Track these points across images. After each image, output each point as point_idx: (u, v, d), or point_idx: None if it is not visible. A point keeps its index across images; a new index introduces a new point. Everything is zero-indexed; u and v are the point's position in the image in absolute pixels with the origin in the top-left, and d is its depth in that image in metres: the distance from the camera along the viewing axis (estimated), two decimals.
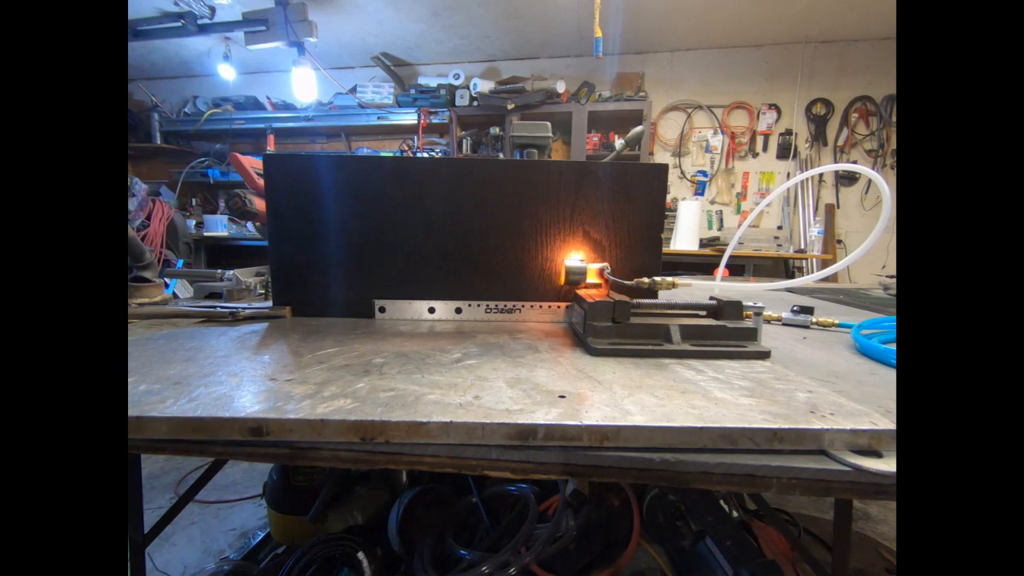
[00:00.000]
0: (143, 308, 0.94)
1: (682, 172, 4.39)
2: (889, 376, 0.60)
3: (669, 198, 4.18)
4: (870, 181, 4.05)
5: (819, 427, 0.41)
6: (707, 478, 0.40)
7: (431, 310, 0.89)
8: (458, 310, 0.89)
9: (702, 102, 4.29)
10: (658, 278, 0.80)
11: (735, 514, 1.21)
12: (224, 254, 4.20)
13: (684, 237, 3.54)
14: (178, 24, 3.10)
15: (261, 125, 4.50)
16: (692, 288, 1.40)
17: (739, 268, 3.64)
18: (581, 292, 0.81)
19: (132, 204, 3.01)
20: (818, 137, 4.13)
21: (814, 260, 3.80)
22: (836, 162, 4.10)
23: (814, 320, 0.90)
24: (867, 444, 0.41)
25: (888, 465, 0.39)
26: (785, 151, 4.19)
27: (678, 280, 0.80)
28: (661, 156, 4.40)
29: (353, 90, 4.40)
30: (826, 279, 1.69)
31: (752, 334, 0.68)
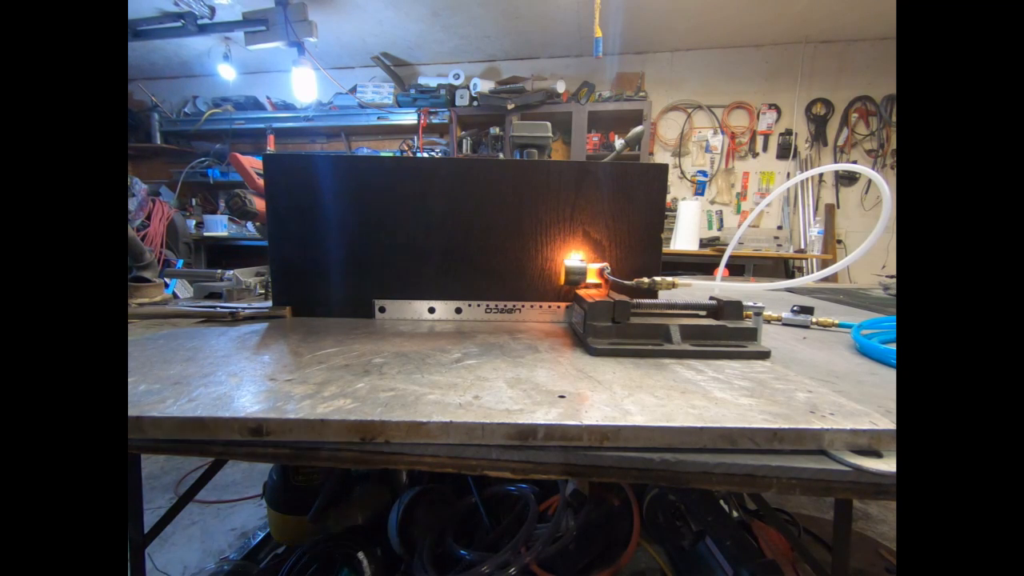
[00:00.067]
0: (143, 308, 0.94)
1: (682, 172, 4.39)
2: (889, 376, 0.60)
3: (669, 198, 4.18)
4: (870, 181, 4.05)
5: (819, 427, 0.41)
6: (707, 478, 0.40)
7: (431, 310, 0.89)
8: (458, 310, 0.89)
9: (702, 102, 4.29)
10: (658, 278, 0.80)
11: (735, 514, 1.21)
12: (224, 254, 4.20)
13: (684, 237, 3.55)
14: (178, 24, 3.10)
15: (261, 125, 4.50)
16: (692, 288, 1.40)
17: (739, 268, 3.64)
18: (581, 292, 0.81)
19: (132, 204, 3.01)
20: (818, 137, 4.13)
21: (814, 260, 3.80)
22: (836, 162, 4.10)
23: (814, 320, 0.90)
24: (867, 444, 0.41)
25: (888, 465, 0.39)
26: (785, 151, 4.19)
27: (678, 280, 0.80)
28: (661, 156, 4.40)
29: (353, 90, 4.40)
30: (826, 279, 1.69)
31: (752, 334, 0.68)
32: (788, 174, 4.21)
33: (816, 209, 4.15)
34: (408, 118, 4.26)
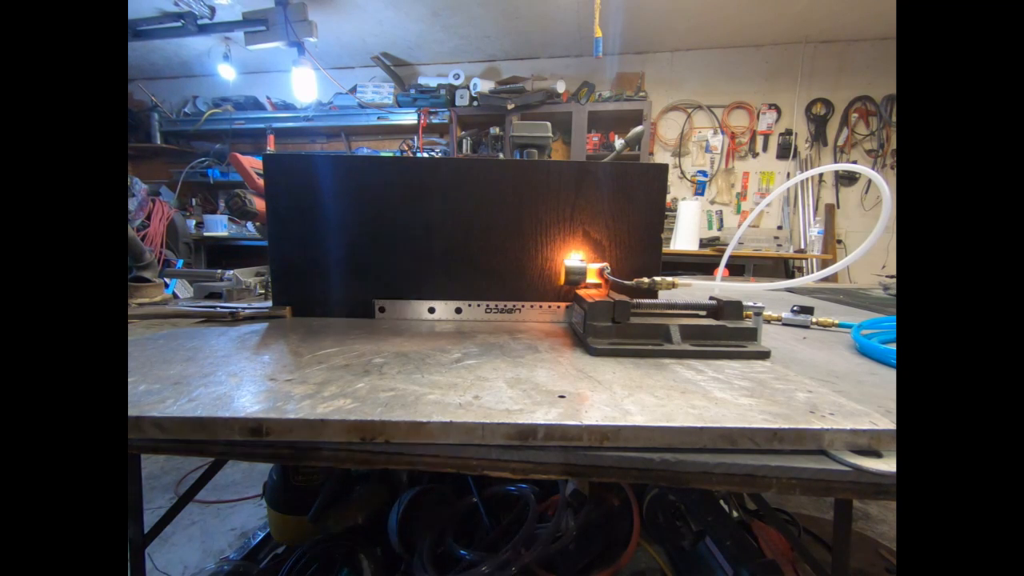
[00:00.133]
0: (143, 308, 0.94)
1: (682, 172, 4.39)
2: (889, 376, 0.60)
3: (669, 198, 4.18)
4: (870, 181, 4.05)
5: (819, 427, 0.41)
6: (707, 478, 0.40)
7: (431, 310, 0.89)
8: (458, 310, 0.89)
9: (702, 102, 4.29)
10: (658, 278, 0.80)
11: (735, 514, 1.21)
12: (224, 254, 4.20)
13: (684, 237, 3.55)
14: (178, 24, 3.10)
15: (261, 125, 4.50)
16: (692, 288, 1.40)
17: (739, 268, 3.64)
18: (581, 292, 0.81)
19: (132, 204, 3.01)
20: (818, 137, 4.13)
21: (814, 260, 3.80)
22: (836, 162, 4.10)
23: (814, 320, 0.90)
24: (867, 444, 0.41)
25: (888, 465, 0.39)
26: (785, 151, 4.19)
27: (678, 280, 0.80)
28: (661, 156, 4.40)
29: (353, 90, 4.40)
30: (826, 279, 1.69)
31: (752, 334, 0.68)
32: (788, 174, 4.21)
33: (816, 209, 4.15)
34: (408, 118, 4.26)
